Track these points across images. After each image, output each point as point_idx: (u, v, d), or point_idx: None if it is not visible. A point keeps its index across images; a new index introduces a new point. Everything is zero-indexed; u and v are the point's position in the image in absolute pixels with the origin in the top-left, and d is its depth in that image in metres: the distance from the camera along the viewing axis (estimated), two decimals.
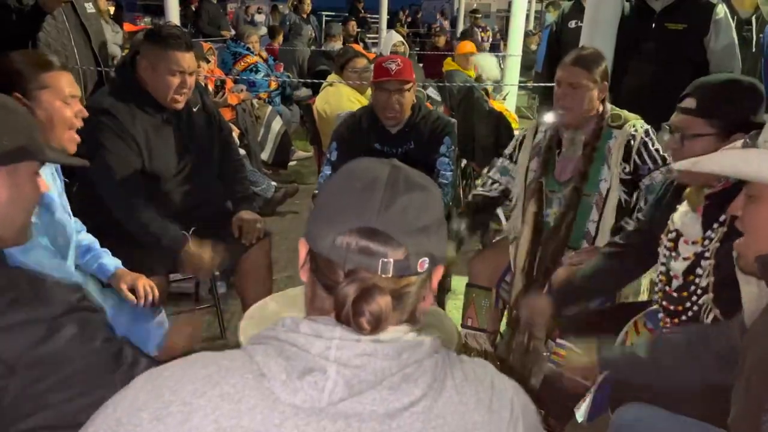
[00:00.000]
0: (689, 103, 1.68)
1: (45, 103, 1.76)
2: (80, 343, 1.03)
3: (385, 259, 0.79)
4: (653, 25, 3.05)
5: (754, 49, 3.46)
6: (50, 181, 1.79)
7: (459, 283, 2.74)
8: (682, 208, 1.74)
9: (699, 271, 1.65)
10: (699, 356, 1.46)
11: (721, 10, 3.01)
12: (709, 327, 1.57)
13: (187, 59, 2.26)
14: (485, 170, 2.61)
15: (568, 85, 2.22)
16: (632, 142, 2.21)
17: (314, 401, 0.75)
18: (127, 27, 7.52)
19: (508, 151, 2.56)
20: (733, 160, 1.21)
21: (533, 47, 8.47)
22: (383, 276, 0.79)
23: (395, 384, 0.78)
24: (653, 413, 1.50)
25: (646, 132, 2.23)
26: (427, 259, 0.82)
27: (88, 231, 2.06)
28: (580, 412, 1.75)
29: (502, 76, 6.27)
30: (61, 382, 1.01)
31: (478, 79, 5.75)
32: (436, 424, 0.79)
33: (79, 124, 1.84)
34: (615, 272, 1.98)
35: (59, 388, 1.01)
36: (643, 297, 2.25)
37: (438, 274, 0.88)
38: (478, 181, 2.51)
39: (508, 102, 5.97)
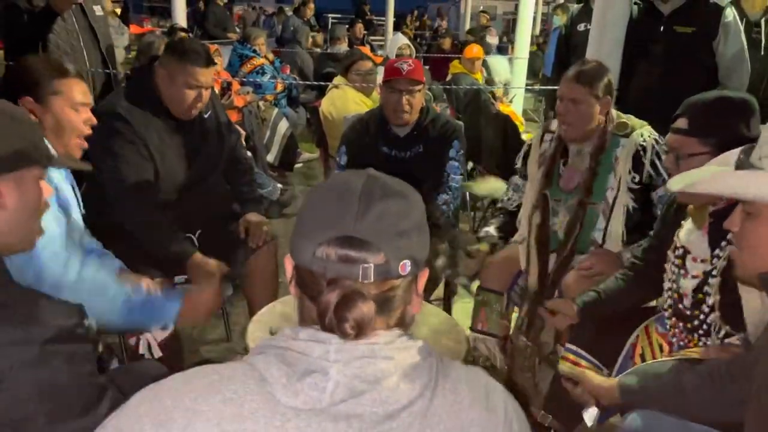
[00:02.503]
0: (681, 123, 1.68)
1: (56, 108, 1.79)
2: (68, 375, 1.03)
3: (365, 265, 0.80)
4: (662, 27, 3.03)
5: (762, 52, 3.43)
6: (67, 187, 1.80)
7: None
8: (687, 225, 1.73)
9: (707, 288, 1.64)
10: (723, 389, 1.40)
11: (730, 13, 2.99)
12: (732, 362, 1.50)
13: (206, 75, 2.27)
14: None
15: (569, 101, 2.21)
16: (643, 152, 2.20)
17: (315, 402, 0.76)
18: (134, 29, 7.57)
19: (518, 165, 2.57)
20: (731, 182, 1.19)
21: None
22: (365, 282, 0.81)
23: (394, 385, 0.79)
24: (662, 420, 1.49)
25: (657, 142, 2.21)
26: (408, 261, 0.83)
27: (94, 232, 2.04)
28: (589, 416, 1.74)
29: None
30: (42, 412, 1.01)
31: (489, 81, 5.74)
32: (432, 422, 0.80)
33: (88, 131, 1.86)
34: (633, 294, 1.94)
35: (40, 417, 1.01)
36: (652, 302, 2.23)
37: (423, 277, 0.89)
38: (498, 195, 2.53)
39: (515, 105, 5.96)
